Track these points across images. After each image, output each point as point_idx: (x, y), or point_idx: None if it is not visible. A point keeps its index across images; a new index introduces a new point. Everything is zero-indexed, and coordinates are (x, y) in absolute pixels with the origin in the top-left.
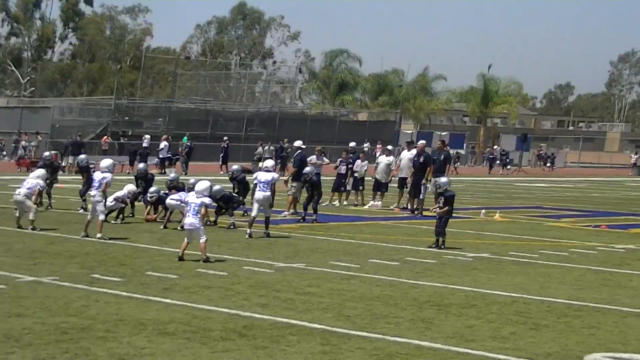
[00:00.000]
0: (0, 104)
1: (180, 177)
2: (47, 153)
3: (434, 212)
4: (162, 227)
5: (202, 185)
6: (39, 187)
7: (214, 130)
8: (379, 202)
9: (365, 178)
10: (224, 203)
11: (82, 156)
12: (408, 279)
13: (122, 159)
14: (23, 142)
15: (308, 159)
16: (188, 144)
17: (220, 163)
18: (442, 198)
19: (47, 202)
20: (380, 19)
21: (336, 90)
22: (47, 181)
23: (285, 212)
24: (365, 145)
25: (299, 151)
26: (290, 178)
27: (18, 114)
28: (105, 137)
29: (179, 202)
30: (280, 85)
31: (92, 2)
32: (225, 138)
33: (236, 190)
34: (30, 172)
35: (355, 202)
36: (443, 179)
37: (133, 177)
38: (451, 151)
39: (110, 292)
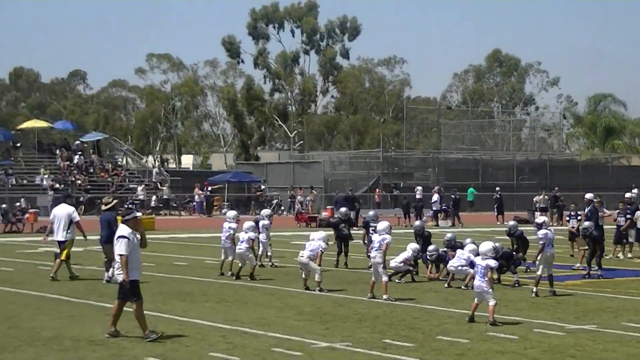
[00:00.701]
0: (271, 159)
1: (456, 230)
2: (343, 210)
3: None
4: (445, 285)
5: (486, 246)
6: (321, 249)
7: (484, 180)
8: None
9: None
10: (505, 261)
11: (371, 213)
12: None
13: (396, 211)
14: (299, 197)
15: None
16: (453, 196)
17: (496, 214)
18: None
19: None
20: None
21: (603, 135)
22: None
23: (578, 265)
24: (634, 191)
25: (592, 204)
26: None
27: (290, 169)
28: (378, 190)
29: (459, 268)
30: (546, 131)
31: (349, 56)
32: (498, 188)
33: (515, 246)
34: (309, 226)
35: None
36: None
37: (412, 233)
38: None
39: (405, 359)
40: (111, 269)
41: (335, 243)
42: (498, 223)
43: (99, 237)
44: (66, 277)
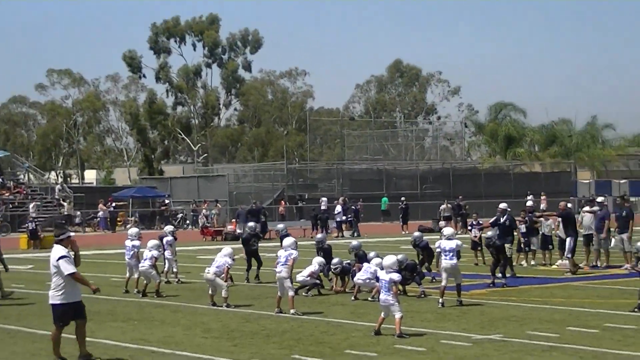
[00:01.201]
0: (175, 172)
1: (362, 241)
2: (251, 224)
3: (626, 270)
4: (352, 298)
5: (390, 260)
6: (227, 265)
7: (389, 190)
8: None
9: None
10: (409, 272)
11: (281, 225)
12: (610, 348)
13: (302, 223)
14: (204, 211)
15: (491, 221)
16: (354, 207)
17: (401, 223)
18: (639, 262)
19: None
20: (541, 69)
21: (504, 143)
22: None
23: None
24: (528, 197)
25: (507, 213)
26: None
27: (194, 183)
28: (283, 202)
29: (366, 281)
30: (448, 140)
31: (251, 68)
32: (403, 198)
33: (420, 257)
34: (214, 240)
35: (543, 261)
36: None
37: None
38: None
39: None
40: None
41: (245, 258)
42: (403, 232)
43: None
44: None
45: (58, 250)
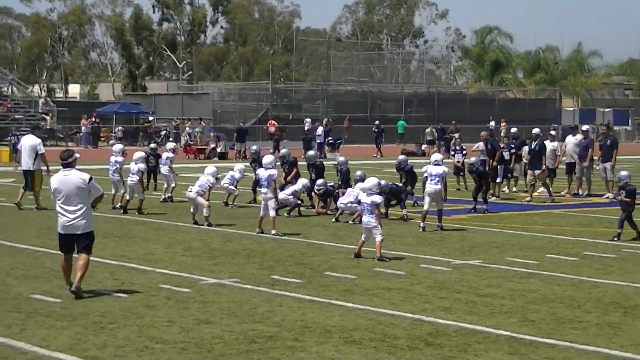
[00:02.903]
0: (159, 89)
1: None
2: (255, 147)
3: (607, 199)
4: (333, 220)
5: (371, 182)
6: (209, 184)
7: (373, 112)
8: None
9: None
10: (392, 196)
11: (254, 147)
12: (589, 276)
13: (288, 144)
14: (187, 129)
15: (475, 146)
16: (324, 128)
17: (376, 146)
18: (624, 192)
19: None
20: None
21: (491, 68)
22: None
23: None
24: (490, 124)
25: (539, 139)
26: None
27: (179, 100)
28: (273, 122)
29: (348, 205)
30: (435, 64)
31: None
32: (377, 122)
33: (403, 181)
34: (197, 158)
35: (525, 189)
36: (624, 172)
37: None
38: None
39: (293, 296)
40: None
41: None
42: (375, 156)
43: None
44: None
45: (79, 173)
